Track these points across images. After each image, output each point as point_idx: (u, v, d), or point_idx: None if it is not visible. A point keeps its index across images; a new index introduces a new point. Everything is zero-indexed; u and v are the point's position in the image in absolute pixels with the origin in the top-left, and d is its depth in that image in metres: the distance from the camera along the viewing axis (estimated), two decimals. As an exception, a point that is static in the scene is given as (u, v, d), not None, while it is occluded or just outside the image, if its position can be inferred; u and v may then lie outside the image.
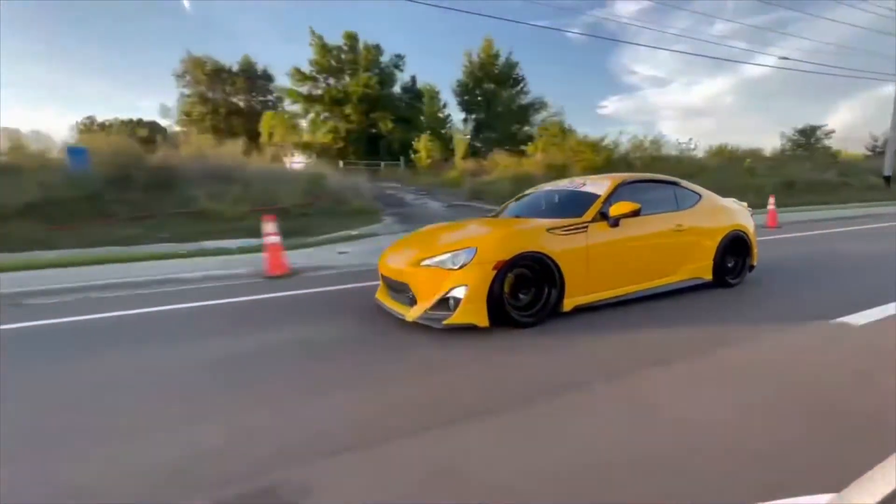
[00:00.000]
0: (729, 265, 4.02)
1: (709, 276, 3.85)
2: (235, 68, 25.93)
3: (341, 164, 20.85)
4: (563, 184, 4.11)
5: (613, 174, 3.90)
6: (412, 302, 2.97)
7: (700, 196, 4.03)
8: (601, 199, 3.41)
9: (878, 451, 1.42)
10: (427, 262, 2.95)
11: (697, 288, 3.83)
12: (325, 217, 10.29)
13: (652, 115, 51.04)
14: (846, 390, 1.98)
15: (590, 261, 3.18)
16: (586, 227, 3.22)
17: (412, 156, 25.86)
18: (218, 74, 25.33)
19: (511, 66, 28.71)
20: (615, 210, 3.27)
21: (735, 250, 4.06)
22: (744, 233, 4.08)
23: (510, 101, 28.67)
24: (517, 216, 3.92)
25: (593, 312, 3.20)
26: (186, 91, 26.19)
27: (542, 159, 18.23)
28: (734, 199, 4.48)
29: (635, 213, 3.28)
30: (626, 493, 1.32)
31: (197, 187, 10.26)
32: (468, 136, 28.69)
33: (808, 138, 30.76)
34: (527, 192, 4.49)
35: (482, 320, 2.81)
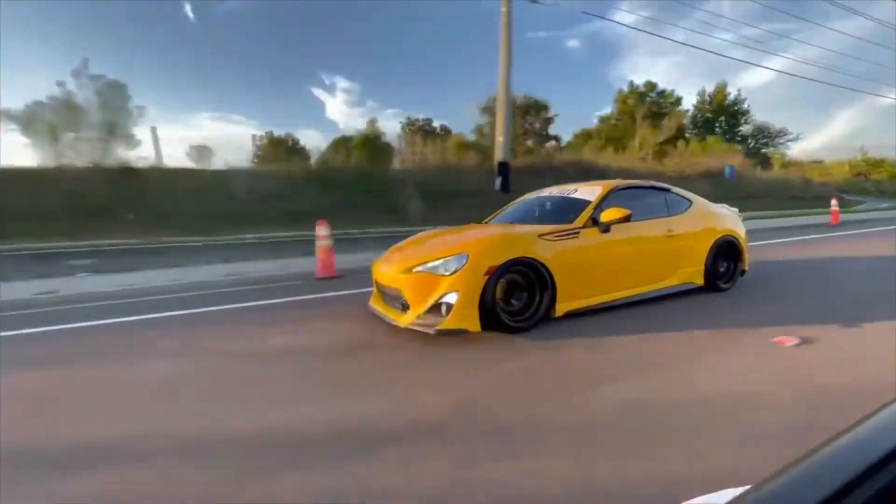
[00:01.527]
0: (721, 270, 4.06)
1: (700, 281, 3.89)
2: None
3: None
4: (555, 190, 4.15)
5: (605, 181, 3.94)
6: (405, 308, 2.99)
7: (691, 202, 4.07)
8: (592, 206, 3.45)
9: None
10: (419, 268, 2.97)
11: (689, 293, 3.86)
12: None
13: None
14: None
15: (581, 266, 3.21)
16: (577, 232, 3.25)
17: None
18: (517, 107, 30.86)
19: (739, 101, 35.03)
20: (606, 216, 3.31)
21: (726, 255, 4.10)
22: (735, 238, 4.13)
23: (736, 128, 35.18)
24: (510, 222, 3.96)
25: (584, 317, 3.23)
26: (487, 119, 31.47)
27: (848, 170, 27.47)
28: (725, 205, 4.53)
29: (626, 219, 3.32)
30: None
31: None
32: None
33: None
34: (519, 198, 4.53)
35: (474, 326, 2.82)
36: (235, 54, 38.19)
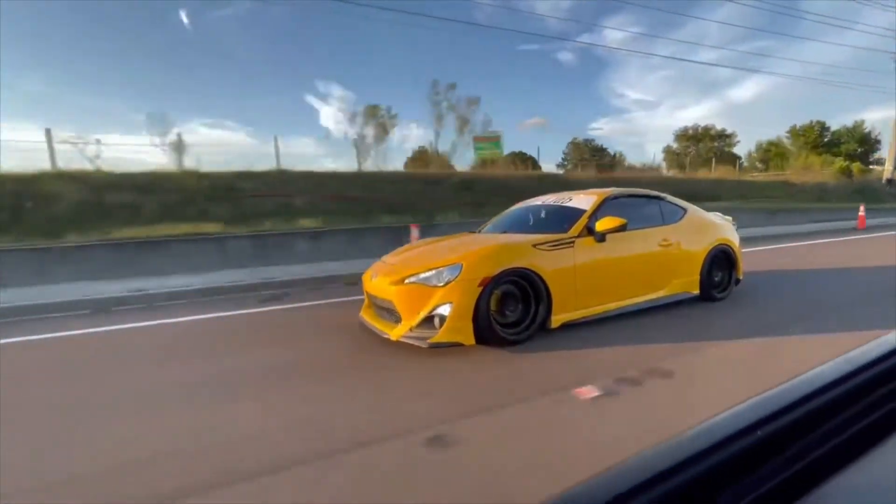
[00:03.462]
0: (715, 279, 4.02)
1: (696, 291, 3.84)
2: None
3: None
4: (549, 199, 4.09)
5: (599, 189, 3.89)
6: (397, 320, 2.90)
7: (685, 211, 4.04)
8: (587, 215, 3.40)
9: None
10: (411, 279, 2.89)
11: (685, 302, 3.81)
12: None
13: (641, 137, 52.75)
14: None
15: (577, 276, 3.14)
16: (573, 242, 3.19)
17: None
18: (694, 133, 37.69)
19: (873, 132, 38.18)
20: (601, 225, 3.26)
21: (721, 264, 4.07)
22: (729, 247, 4.10)
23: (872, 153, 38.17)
24: (503, 232, 3.89)
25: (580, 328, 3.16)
26: (675, 144, 38.48)
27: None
28: (719, 214, 4.51)
29: (622, 228, 3.27)
30: None
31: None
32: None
33: None
34: (512, 207, 4.47)
35: (468, 338, 2.74)
36: (229, 61, 38.04)
